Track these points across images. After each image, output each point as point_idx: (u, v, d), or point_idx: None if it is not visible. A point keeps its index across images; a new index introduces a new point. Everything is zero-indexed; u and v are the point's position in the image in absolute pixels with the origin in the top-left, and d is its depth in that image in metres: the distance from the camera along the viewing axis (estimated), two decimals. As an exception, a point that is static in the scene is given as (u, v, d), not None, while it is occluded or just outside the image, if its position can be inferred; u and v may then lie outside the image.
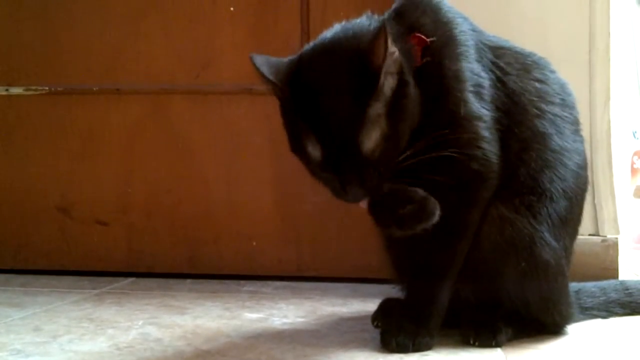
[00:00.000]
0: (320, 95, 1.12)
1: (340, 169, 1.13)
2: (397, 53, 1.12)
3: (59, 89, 1.96)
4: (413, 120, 1.16)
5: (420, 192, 1.15)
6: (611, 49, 1.70)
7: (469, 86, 1.20)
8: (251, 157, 1.89)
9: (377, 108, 1.11)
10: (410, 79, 1.14)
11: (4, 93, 1.97)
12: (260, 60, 1.16)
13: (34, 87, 1.96)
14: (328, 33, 1.20)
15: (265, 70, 1.16)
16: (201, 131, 1.91)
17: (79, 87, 1.95)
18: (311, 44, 1.21)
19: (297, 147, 1.18)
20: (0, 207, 1.99)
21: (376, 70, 1.09)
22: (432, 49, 1.19)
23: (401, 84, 1.13)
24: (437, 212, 1.15)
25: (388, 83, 1.11)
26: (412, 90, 1.15)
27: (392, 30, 1.13)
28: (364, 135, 1.10)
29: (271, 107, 1.85)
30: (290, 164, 1.85)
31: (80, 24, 1.94)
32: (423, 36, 1.19)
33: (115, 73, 1.94)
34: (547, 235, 1.24)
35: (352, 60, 1.12)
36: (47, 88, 1.96)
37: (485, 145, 1.20)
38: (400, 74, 1.13)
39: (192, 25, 1.90)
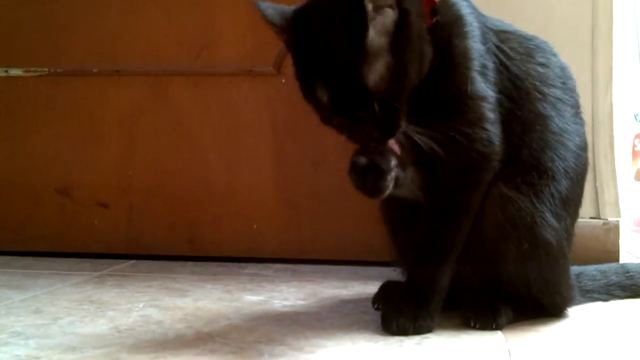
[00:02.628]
0: (319, 37, 1.10)
1: (348, 108, 1.10)
2: None
3: (58, 70, 1.95)
4: (422, 53, 1.14)
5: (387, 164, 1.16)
6: (614, 31, 1.69)
7: (475, 65, 1.20)
8: (251, 139, 1.88)
9: (378, 41, 1.08)
10: (412, 8, 1.11)
11: (4, 74, 1.96)
12: (265, 5, 1.15)
13: (33, 69, 1.95)
14: None
15: (269, 13, 1.15)
16: (201, 113, 1.90)
17: (78, 69, 1.94)
18: None
19: (308, 95, 1.14)
20: (0, 189, 1.99)
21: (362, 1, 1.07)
22: (441, 26, 1.18)
23: (403, 15, 1.10)
24: (382, 193, 1.16)
25: (388, 16, 1.08)
26: (415, 19, 1.12)
27: None
28: (366, 69, 1.08)
29: (272, 88, 1.87)
30: (290, 146, 1.87)
31: (80, 5, 1.93)
32: None
33: (115, 54, 1.93)
34: (548, 215, 1.23)
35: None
36: (46, 69, 1.95)
37: (489, 126, 1.20)
38: (399, 4, 1.09)
39: (192, 6, 1.89)
